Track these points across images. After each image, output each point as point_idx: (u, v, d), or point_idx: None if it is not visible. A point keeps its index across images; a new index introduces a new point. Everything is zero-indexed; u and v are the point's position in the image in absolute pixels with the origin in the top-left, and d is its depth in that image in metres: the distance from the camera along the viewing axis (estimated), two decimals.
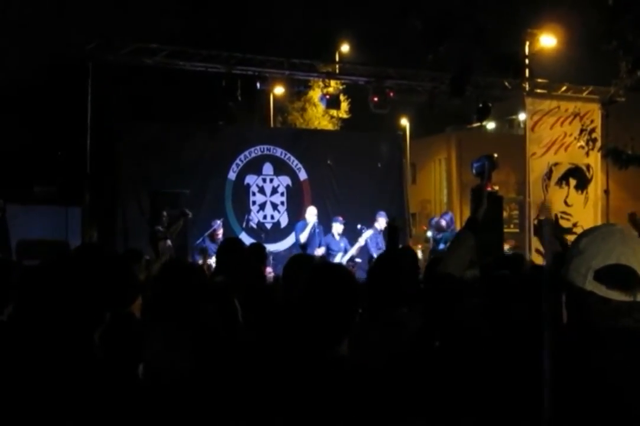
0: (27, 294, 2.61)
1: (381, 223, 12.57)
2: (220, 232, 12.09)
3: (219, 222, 12.21)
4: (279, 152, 14.71)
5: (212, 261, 9.80)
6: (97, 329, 2.49)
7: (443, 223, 12.79)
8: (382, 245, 12.34)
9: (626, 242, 1.86)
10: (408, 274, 4.47)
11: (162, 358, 2.61)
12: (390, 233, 5.30)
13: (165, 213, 11.49)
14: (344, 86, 16.59)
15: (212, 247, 11.39)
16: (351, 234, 12.65)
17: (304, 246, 12.10)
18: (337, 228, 12.41)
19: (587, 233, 1.96)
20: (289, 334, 2.73)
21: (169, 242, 11.14)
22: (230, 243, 5.67)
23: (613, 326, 1.80)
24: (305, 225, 12.41)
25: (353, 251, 12.30)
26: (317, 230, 12.23)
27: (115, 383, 2.40)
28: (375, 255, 11.99)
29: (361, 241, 12.25)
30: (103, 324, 2.50)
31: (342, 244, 12.39)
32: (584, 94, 15.76)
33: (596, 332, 1.81)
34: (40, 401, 2.25)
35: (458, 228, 13.94)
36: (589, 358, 1.76)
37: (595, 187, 15.79)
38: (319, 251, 12.01)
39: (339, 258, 12.06)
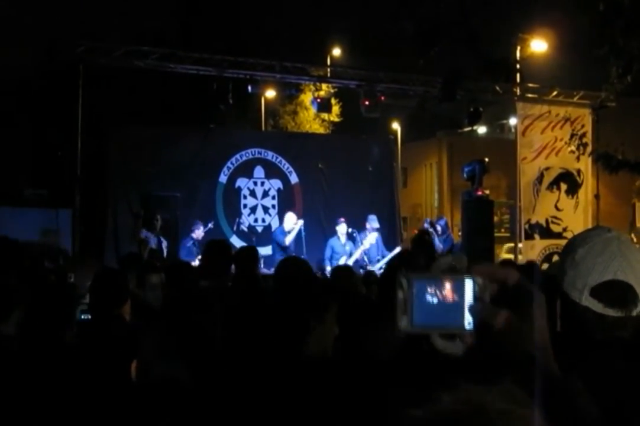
0: None
1: (373, 226, 12.49)
2: (196, 230, 12.04)
3: (197, 223, 12.19)
4: (270, 155, 14.67)
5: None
6: (68, 331, 2.46)
7: (438, 228, 12.74)
8: (384, 249, 12.27)
9: (623, 253, 1.81)
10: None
11: (155, 362, 2.59)
12: None
13: (159, 217, 11.48)
14: (335, 90, 16.58)
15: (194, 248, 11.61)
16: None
17: (285, 249, 11.92)
18: (342, 228, 12.29)
19: (581, 241, 1.88)
20: (274, 334, 2.74)
21: (152, 244, 11.13)
22: (216, 246, 5.35)
23: (609, 336, 1.77)
24: (283, 231, 12.26)
25: (357, 254, 12.09)
26: (303, 234, 12.15)
27: (93, 381, 2.38)
28: (375, 261, 11.90)
29: (366, 245, 12.11)
30: (72, 325, 2.47)
31: (347, 248, 12.19)
32: (575, 99, 15.80)
33: (593, 342, 1.78)
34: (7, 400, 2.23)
35: (451, 233, 13.93)
36: (587, 367, 1.70)
37: (586, 192, 15.83)
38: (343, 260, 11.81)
39: (343, 261, 11.76)
